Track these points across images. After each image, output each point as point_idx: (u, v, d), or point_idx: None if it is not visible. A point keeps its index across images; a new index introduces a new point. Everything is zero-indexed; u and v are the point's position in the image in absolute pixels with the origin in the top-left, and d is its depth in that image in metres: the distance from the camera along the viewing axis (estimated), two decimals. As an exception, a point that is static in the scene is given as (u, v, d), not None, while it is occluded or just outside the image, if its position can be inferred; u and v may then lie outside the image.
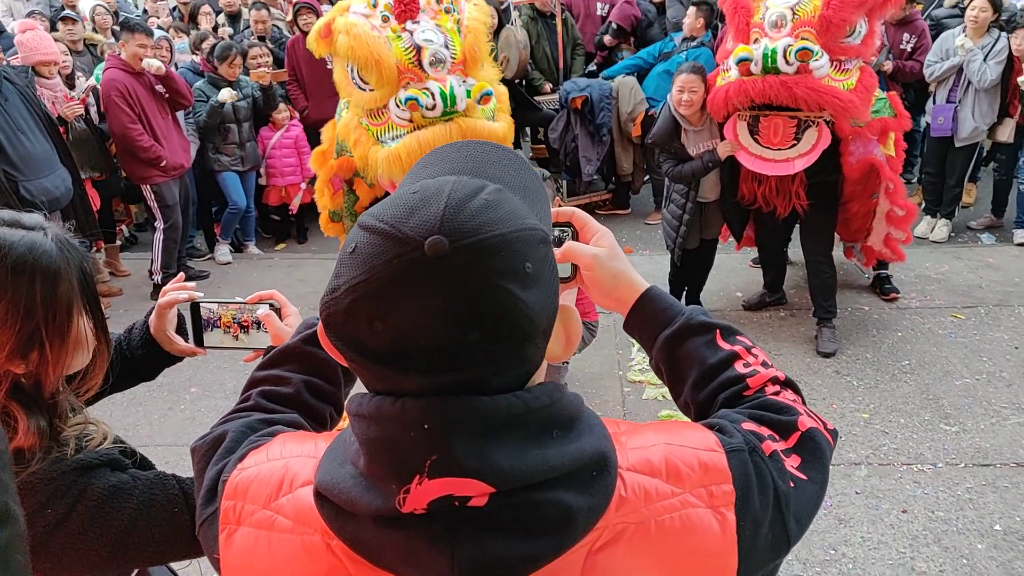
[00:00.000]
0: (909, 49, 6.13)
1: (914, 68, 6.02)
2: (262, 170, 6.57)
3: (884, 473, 3.34)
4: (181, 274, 1.59)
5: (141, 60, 5.31)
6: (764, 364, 0.93)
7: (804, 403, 0.91)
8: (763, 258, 5.02)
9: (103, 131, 5.58)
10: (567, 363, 3.58)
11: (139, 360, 1.49)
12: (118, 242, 6.51)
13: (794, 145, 3.96)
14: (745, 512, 0.73)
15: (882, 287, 5.05)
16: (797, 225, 4.53)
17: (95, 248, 5.79)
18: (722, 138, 4.18)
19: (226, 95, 5.94)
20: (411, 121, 3.57)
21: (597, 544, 0.69)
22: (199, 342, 1.49)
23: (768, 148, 4.01)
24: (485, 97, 3.59)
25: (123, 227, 6.88)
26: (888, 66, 5.97)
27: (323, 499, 0.71)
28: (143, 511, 1.08)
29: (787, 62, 3.69)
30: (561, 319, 0.74)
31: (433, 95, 3.47)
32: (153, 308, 1.49)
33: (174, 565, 1.48)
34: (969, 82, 5.61)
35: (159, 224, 5.62)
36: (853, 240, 4.84)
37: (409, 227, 0.63)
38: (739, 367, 0.92)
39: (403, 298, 0.62)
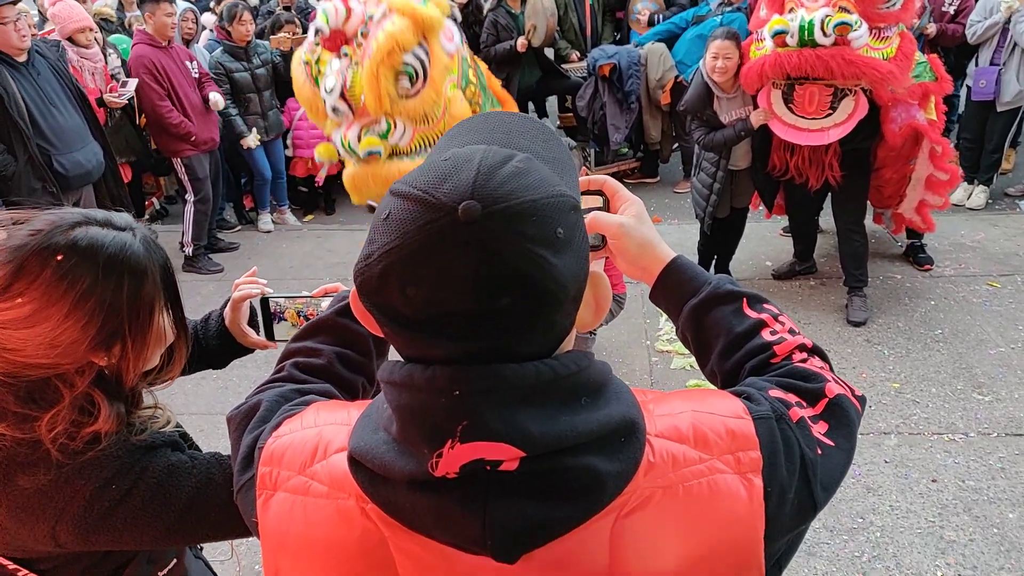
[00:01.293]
0: (952, 11, 5.95)
1: (956, 31, 5.84)
2: (288, 141, 6.59)
3: (914, 443, 3.31)
4: (254, 268, 1.63)
5: (170, 29, 5.33)
6: (791, 332, 0.93)
7: (832, 370, 0.90)
8: (793, 227, 4.95)
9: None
10: (595, 333, 3.58)
11: (213, 350, 1.56)
12: (148, 215, 6.60)
13: (829, 114, 3.87)
14: (772, 478, 0.73)
15: (915, 256, 4.97)
16: (828, 194, 4.46)
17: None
18: (755, 106, 4.11)
19: (251, 142, 6.06)
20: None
21: (625, 509, 0.70)
22: (270, 336, 1.54)
23: (802, 117, 3.93)
24: (370, 156, 3.70)
25: (154, 200, 6.97)
26: (932, 29, 5.81)
27: (357, 464, 0.72)
28: (201, 489, 1.12)
29: (824, 34, 3.58)
30: (591, 286, 0.74)
31: (336, 145, 3.79)
32: (228, 300, 1.55)
33: (211, 557, 1.53)
34: (1015, 44, 5.42)
35: (190, 197, 5.68)
36: (884, 206, 4.74)
37: (442, 193, 0.63)
38: (766, 335, 0.92)
39: (435, 263, 0.62)
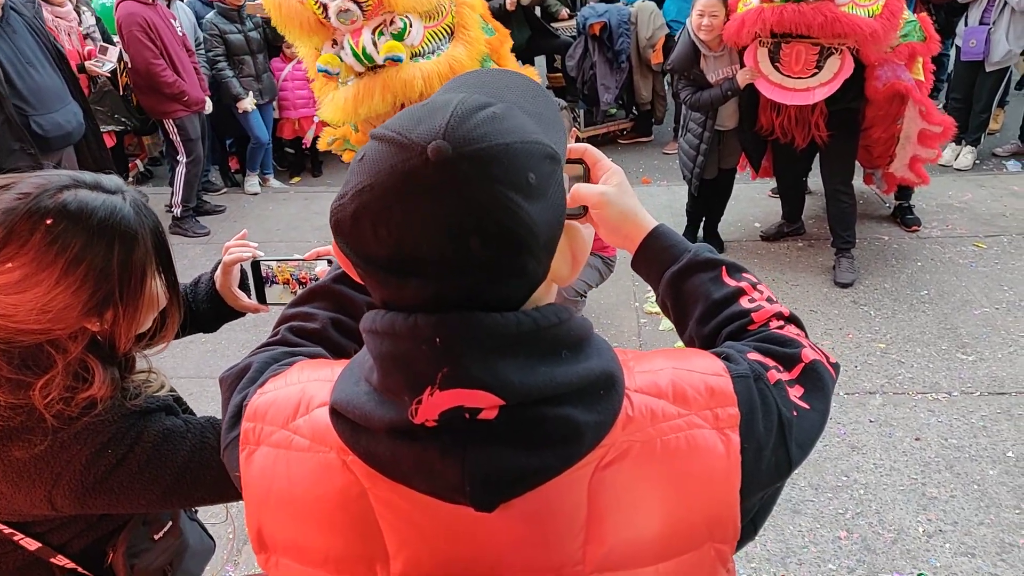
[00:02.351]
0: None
1: (947, -12, 5.81)
2: (274, 103, 6.50)
3: (899, 402, 3.36)
4: (244, 231, 1.62)
5: None
6: (769, 300, 0.94)
7: (808, 337, 0.92)
8: (781, 188, 4.95)
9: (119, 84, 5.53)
10: (584, 296, 3.59)
11: (204, 313, 1.55)
12: (132, 177, 6.51)
13: (815, 73, 3.85)
14: (749, 435, 0.75)
15: (903, 217, 4.98)
16: (816, 155, 4.45)
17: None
18: (742, 65, 4.08)
19: (247, 105, 5.93)
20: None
21: (604, 461, 0.71)
22: (261, 299, 1.54)
23: (788, 76, 3.91)
24: (391, 61, 3.47)
25: (137, 162, 6.88)
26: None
27: (339, 416, 0.73)
28: (196, 453, 1.13)
29: None
30: (567, 238, 0.74)
31: (348, 56, 3.43)
32: (218, 263, 1.53)
33: (205, 520, 1.55)
34: (1004, 2, 5.38)
35: (182, 158, 5.60)
36: (874, 167, 4.74)
37: (415, 134, 0.64)
38: (744, 302, 0.93)
39: (405, 203, 0.63)
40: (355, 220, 0.66)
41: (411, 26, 3.49)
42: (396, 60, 3.45)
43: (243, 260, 1.53)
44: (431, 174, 0.62)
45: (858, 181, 4.69)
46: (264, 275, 1.51)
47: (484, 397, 0.65)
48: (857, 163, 4.54)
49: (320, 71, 3.55)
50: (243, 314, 1.58)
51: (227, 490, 1.13)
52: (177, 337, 1.43)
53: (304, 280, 1.49)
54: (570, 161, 0.94)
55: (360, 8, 3.39)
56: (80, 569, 1.19)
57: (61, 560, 1.18)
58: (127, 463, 1.08)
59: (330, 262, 1.46)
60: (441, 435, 0.66)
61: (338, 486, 0.74)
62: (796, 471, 0.81)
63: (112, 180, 1.12)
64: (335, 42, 3.57)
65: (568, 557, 0.71)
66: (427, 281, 0.65)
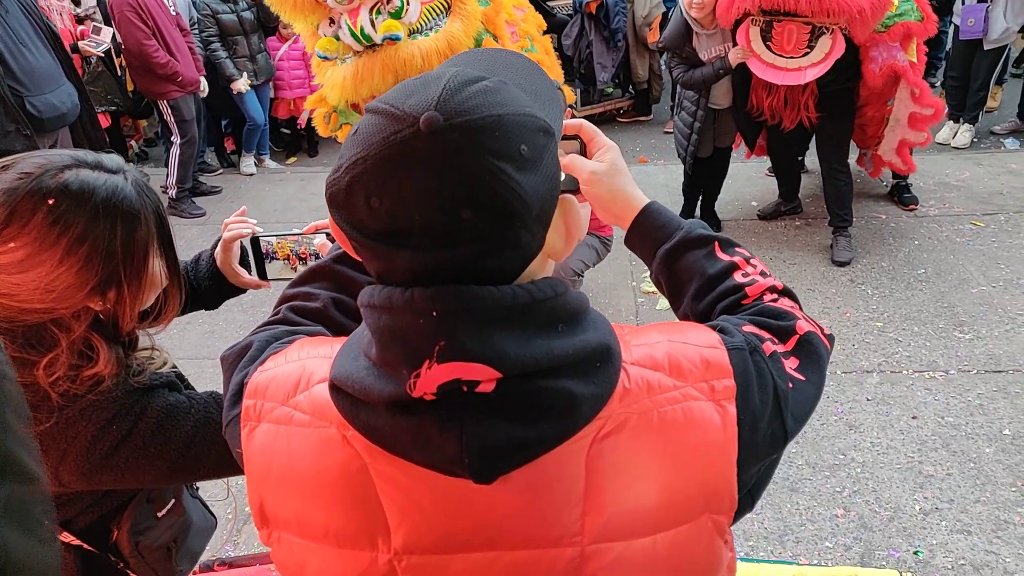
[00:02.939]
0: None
1: (946, -34, 5.76)
2: (270, 83, 6.46)
3: (896, 380, 3.37)
4: (243, 208, 1.61)
5: None
6: (763, 274, 0.94)
7: (801, 310, 0.92)
8: (777, 167, 4.94)
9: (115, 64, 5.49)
10: (582, 276, 3.59)
11: (205, 291, 1.55)
12: (128, 158, 6.48)
13: (807, 53, 3.83)
14: (745, 406, 0.75)
15: (900, 196, 4.98)
16: (813, 134, 4.44)
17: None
18: (735, 43, 4.05)
19: (241, 86, 5.85)
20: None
21: (601, 432, 0.71)
22: (262, 275, 1.54)
23: (780, 56, 3.89)
24: (389, 41, 3.44)
25: (132, 143, 6.84)
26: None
27: (338, 391, 0.73)
28: (199, 428, 1.14)
29: None
30: (561, 211, 0.74)
31: (346, 36, 3.40)
32: (218, 240, 1.54)
33: (207, 498, 1.55)
34: (1003, -22, 5.36)
35: (176, 139, 5.59)
36: (867, 146, 4.73)
37: (407, 106, 0.65)
38: (738, 277, 0.93)
39: (398, 174, 0.64)
40: (349, 192, 0.66)
41: (408, 4, 3.46)
42: (394, 39, 3.41)
43: (243, 236, 1.53)
44: (423, 145, 0.63)
45: (853, 160, 4.68)
46: (264, 251, 1.51)
47: (481, 370, 0.66)
48: (853, 143, 4.53)
49: (319, 57, 3.51)
50: (244, 290, 1.58)
51: (231, 464, 1.14)
52: (179, 315, 1.45)
53: (304, 255, 1.49)
54: (566, 137, 0.94)
55: None
56: (85, 546, 1.20)
57: (67, 537, 1.19)
58: (132, 438, 1.09)
59: (328, 235, 1.46)
60: (439, 408, 0.67)
61: (339, 460, 0.74)
62: (793, 449, 0.81)
63: (113, 160, 1.12)
64: (332, 21, 3.54)
65: (566, 528, 0.71)
66: (420, 252, 0.65)
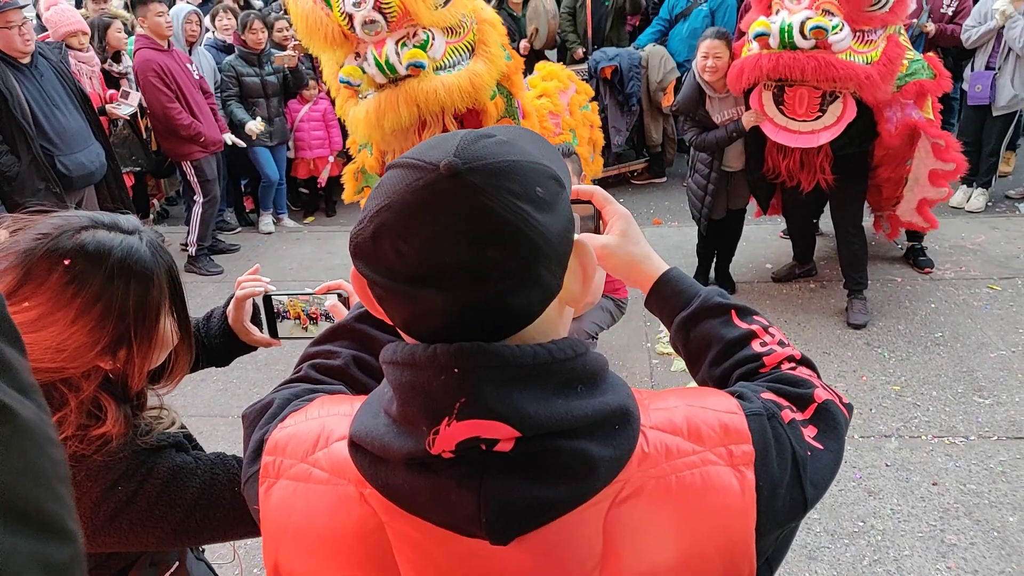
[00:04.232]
0: (950, 13, 5.96)
1: (955, 32, 5.84)
2: (290, 143, 6.61)
3: (915, 446, 3.31)
4: (257, 266, 1.64)
5: (165, 29, 5.34)
6: (781, 343, 0.94)
7: (820, 378, 0.92)
8: (791, 229, 4.96)
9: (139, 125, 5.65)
10: (596, 338, 3.59)
11: (216, 348, 1.56)
12: (151, 216, 6.61)
13: (819, 117, 3.89)
14: (764, 472, 0.75)
15: (916, 259, 4.97)
16: (827, 197, 4.46)
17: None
18: (747, 107, 4.12)
19: (254, 127, 5.97)
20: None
21: (619, 497, 0.71)
22: (273, 333, 1.55)
23: (793, 119, 3.95)
24: (413, 68, 3.46)
25: (155, 201, 6.98)
26: (931, 28, 5.80)
27: (357, 448, 0.74)
28: (206, 490, 1.13)
29: (804, 37, 3.62)
30: (576, 254, 0.75)
31: (371, 67, 3.45)
32: (231, 298, 1.55)
33: (213, 560, 1.54)
34: (1009, 49, 5.43)
35: (199, 198, 5.69)
36: (882, 209, 4.74)
37: (428, 157, 0.68)
38: (756, 346, 0.93)
39: (424, 216, 0.66)
40: (375, 239, 0.68)
41: (433, 39, 3.52)
42: (418, 66, 3.44)
43: (255, 295, 1.54)
44: (446, 187, 0.65)
45: (869, 223, 4.68)
46: (276, 310, 1.52)
47: (500, 428, 0.66)
48: (867, 206, 4.54)
49: (342, 82, 3.56)
50: (255, 348, 1.59)
51: (236, 528, 1.13)
52: (190, 372, 1.45)
53: (315, 315, 1.50)
54: (579, 202, 0.96)
55: (385, 19, 3.42)
56: None
57: None
58: (137, 500, 1.09)
59: (340, 295, 1.47)
60: (457, 466, 0.67)
61: (355, 519, 0.74)
62: (812, 516, 0.80)
63: (129, 220, 1.14)
64: (358, 55, 3.62)
65: None
66: (449, 293, 0.66)
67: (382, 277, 0.69)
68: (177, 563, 1.31)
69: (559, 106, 4.55)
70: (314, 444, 0.80)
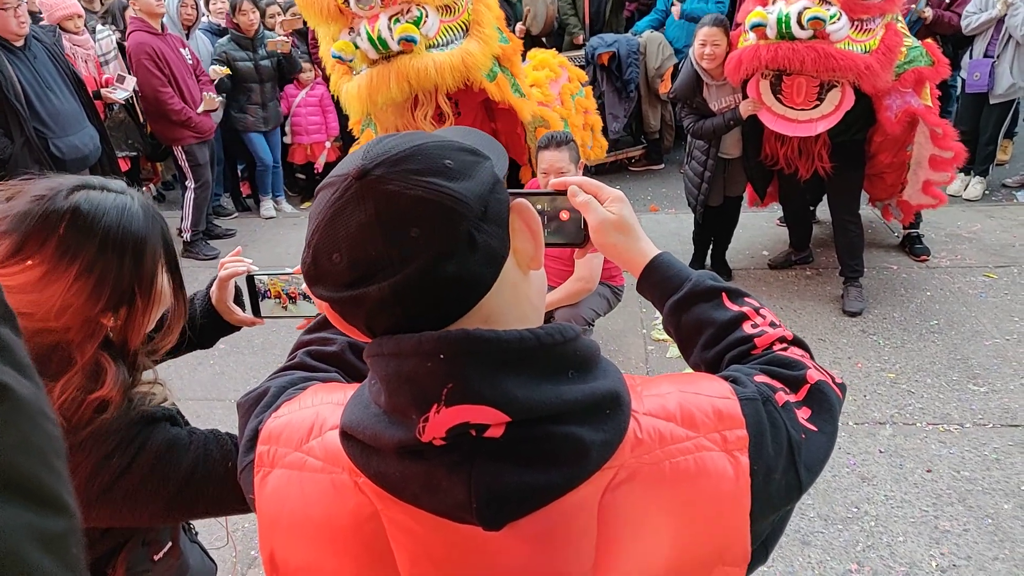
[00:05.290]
0: (947, 0, 5.94)
1: (952, 19, 5.83)
2: (287, 128, 6.58)
3: (909, 433, 3.33)
4: (239, 248, 1.66)
5: (157, 8, 5.31)
6: (772, 324, 0.94)
7: (812, 359, 0.92)
8: (788, 216, 4.96)
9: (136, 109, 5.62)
10: (592, 325, 3.59)
11: (201, 328, 1.57)
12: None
13: (817, 105, 3.88)
14: (758, 457, 0.75)
15: (912, 247, 4.97)
16: (823, 184, 4.45)
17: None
18: (744, 95, 4.11)
19: (218, 68, 5.88)
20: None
21: (613, 482, 0.71)
22: (256, 312, 1.56)
23: (791, 108, 3.93)
24: (404, 42, 3.45)
25: (151, 186, 6.95)
26: (928, 14, 5.78)
27: (349, 438, 0.74)
28: (199, 464, 1.13)
29: (801, 27, 3.60)
30: (517, 212, 0.76)
31: (363, 42, 3.44)
32: (214, 279, 1.57)
33: (207, 543, 1.55)
34: (1009, 36, 5.42)
35: (190, 184, 5.69)
36: (889, 196, 4.72)
37: (341, 170, 0.71)
38: (747, 328, 0.93)
39: (344, 224, 0.68)
40: (315, 260, 0.70)
41: (427, 16, 3.52)
42: (410, 40, 3.44)
43: (238, 275, 1.57)
44: (355, 188, 0.68)
45: (866, 210, 4.68)
46: (258, 289, 1.54)
47: (489, 413, 0.66)
48: (864, 191, 4.53)
49: (334, 56, 3.57)
50: (239, 328, 1.61)
51: (229, 503, 1.13)
52: (177, 355, 1.46)
53: (293, 295, 1.53)
54: (559, 193, 0.96)
55: None
56: None
57: None
58: (131, 473, 1.09)
59: None
60: (448, 453, 0.67)
61: (350, 506, 0.74)
62: (805, 501, 0.81)
63: (118, 183, 1.16)
64: (351, 29, 3.61)
65: None
66: (383, 283, 0.67)
67: (331, 292, 0.70)
68: (170, 543, 1.32)
69: (550, 96, 4.54)
70: (308, 433, 0.80)
